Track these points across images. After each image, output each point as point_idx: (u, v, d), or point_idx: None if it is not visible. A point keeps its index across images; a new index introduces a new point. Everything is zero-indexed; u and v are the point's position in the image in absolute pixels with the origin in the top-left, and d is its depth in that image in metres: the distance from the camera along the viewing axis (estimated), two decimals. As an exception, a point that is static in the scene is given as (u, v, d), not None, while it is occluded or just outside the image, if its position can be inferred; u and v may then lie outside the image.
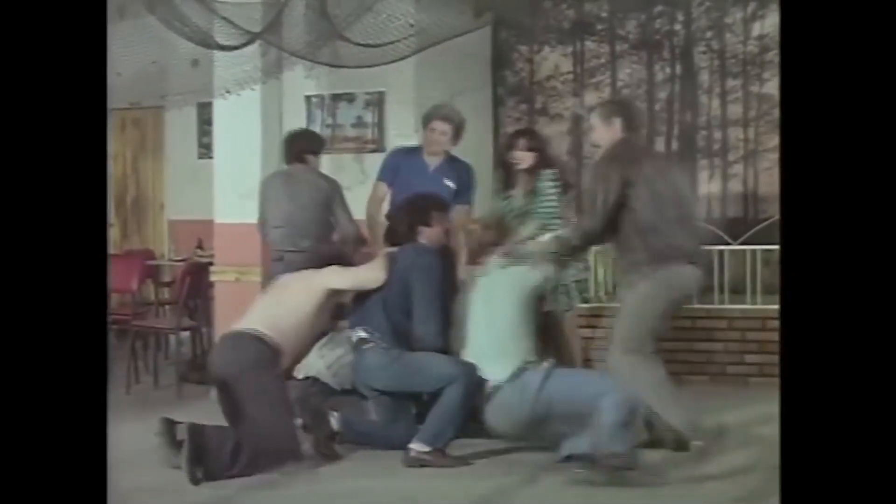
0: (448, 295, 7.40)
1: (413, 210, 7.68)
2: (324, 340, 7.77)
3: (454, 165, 8.82)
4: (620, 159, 7.29)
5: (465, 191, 8.78)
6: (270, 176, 9.11)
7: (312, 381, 7.74)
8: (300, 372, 7.77)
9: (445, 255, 7.66)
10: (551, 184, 8.41)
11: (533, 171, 8.42)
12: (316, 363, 7.72)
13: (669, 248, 7.18)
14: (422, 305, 7.27)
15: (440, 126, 8.73)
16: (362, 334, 7.36)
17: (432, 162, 8.77)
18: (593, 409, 6.58)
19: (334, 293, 7.42)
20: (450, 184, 8.68)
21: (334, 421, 7.20)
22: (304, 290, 7.32)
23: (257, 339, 7.01)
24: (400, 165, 8.87)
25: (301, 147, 8.97)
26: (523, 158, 8.43)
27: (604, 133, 7.47)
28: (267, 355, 7.00)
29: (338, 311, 7.66)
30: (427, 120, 8.88)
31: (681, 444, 7.07)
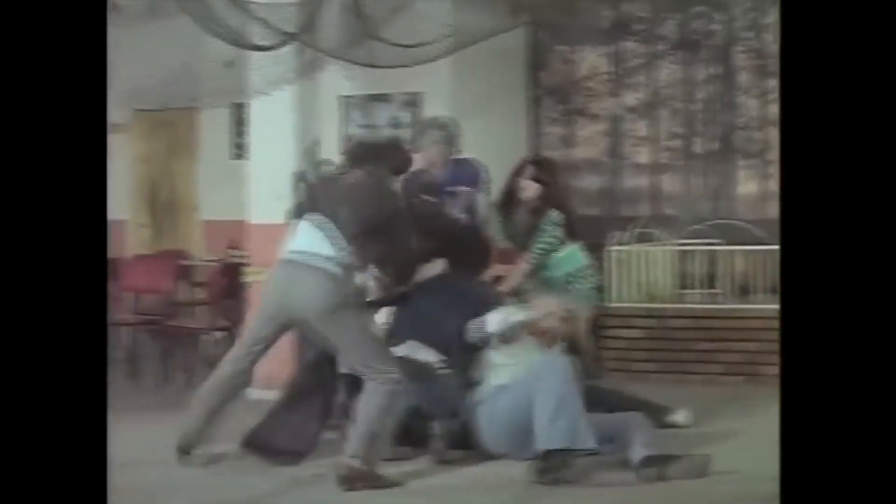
0: None
1: None
2: None
3: (458, 168, 8.72)
4: None
5: (474, 183, 8.69)
6: None
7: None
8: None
9: None
10: (553, 228, 8.23)
11: (536, 205, 8.25)
12: None
13: None
14: None
15: (430, 150, 8.62)
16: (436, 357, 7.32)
17: (437, 176, 8.68)
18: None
19: None
20: (453, 189, 8.63)
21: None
22: None
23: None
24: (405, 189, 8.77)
25: None
26: (527, 188, 8.26)
27: None
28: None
29: None
30: (416, 139, 8.91)
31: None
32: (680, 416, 8.02)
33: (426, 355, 7.26)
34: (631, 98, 12.22)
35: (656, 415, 7.65)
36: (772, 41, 11.80)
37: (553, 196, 8.32)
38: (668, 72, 12.17)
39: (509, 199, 8.42)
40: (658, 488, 6.42)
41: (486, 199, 8.66)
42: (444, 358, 7.24)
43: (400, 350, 7.23)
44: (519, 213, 8.36)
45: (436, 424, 7.10)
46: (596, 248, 9.80)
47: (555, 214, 8.24)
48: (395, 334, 7.42)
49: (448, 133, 8.66)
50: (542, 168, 8.46)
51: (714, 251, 10.55)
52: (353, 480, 6.45)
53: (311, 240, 6.71)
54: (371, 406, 6.61)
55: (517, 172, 8.36)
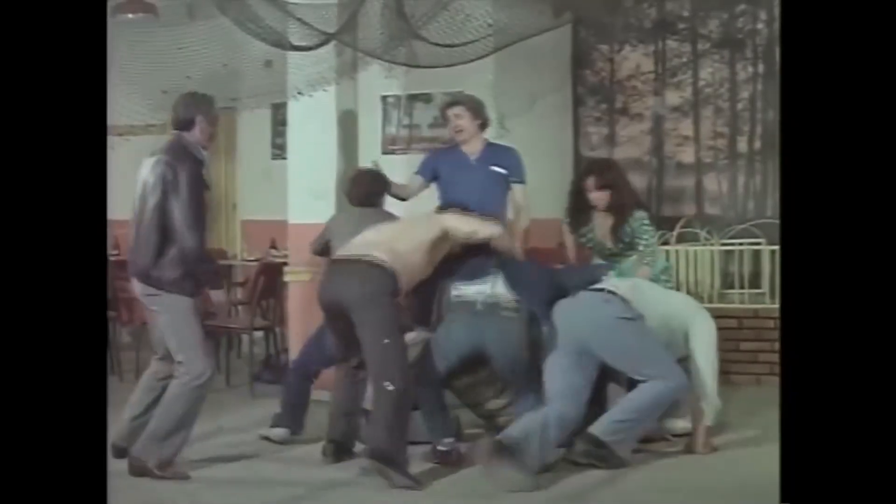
0: None
1: None
2: None
3: (497, 150, 8.75)
4: None
5: (516, 171, 8.68)
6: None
7: None
8: None
9: None
10: (648, 226, 8.18)
11: (612, 211, 8.10)
12: None
13: None
14: None
15: (453, 111, 8.61)
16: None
17: (472, 152, 8.64)
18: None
19: (447, 237, 7.22)
20: (498, 169, 8.61)
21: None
22: (423, 225, 7.26)
23: (376, 266, 6.82)
24: (439, 162, 8.77)
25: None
26: (599, 199, 8.10)
27: None
28: (386, 282, 6.82)
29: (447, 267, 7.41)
30: (442, 113, 8.90)
31: None
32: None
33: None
34: (674, 97, 12.16)
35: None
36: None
37: (624, 195, 8.19)
38: (711, 70, 12.11)
39: (579, 210, 8.32)
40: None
41: (524, 188, 8.72)
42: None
43: None
44: (596, 222, 8.24)
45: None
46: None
47: (642, 213, 8.19)
48: None
49: (474, 106, 8.64)
50: (602, 173, 8.23)
51: (758, 251, 10.49)
52: (138, 472, 6.83)
53: None
54: (165, 403, 6.90)
55: (582, 187, 8.23)
